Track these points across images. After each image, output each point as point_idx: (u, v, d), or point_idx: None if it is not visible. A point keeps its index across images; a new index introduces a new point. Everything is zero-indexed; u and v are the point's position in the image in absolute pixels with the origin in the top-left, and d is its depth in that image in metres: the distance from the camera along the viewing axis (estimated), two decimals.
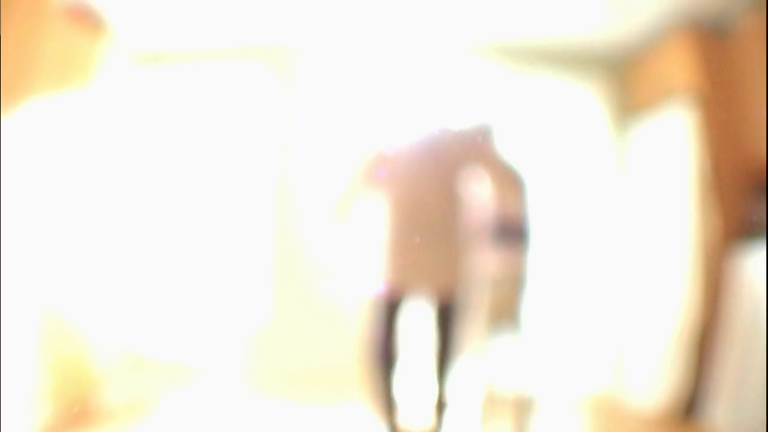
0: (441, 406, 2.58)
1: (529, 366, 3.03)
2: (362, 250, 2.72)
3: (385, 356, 2.55)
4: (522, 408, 3.00)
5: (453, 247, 2.55)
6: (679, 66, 3.46)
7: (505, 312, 3.00)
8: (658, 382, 3.45)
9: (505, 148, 2.95)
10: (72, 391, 3.08)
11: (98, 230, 3.34)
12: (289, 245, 3.92)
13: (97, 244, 3.33)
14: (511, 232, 2.95)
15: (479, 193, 2.70)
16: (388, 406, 2.56)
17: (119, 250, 3.60)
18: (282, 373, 3.78)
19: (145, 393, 3.60)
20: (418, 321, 2.67)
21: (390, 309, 2.55)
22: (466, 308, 2.61)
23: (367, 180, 2.58)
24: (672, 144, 3.58)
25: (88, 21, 3.24)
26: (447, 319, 2.54)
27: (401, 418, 2.58)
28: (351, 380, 3.63)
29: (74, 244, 3.14)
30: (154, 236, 4.01)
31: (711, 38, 3.35)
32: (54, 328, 2.95)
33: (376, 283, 2.57)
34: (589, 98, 4.03)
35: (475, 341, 2.97)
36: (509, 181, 2.88)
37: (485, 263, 2.89)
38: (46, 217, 2.93)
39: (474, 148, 2.64)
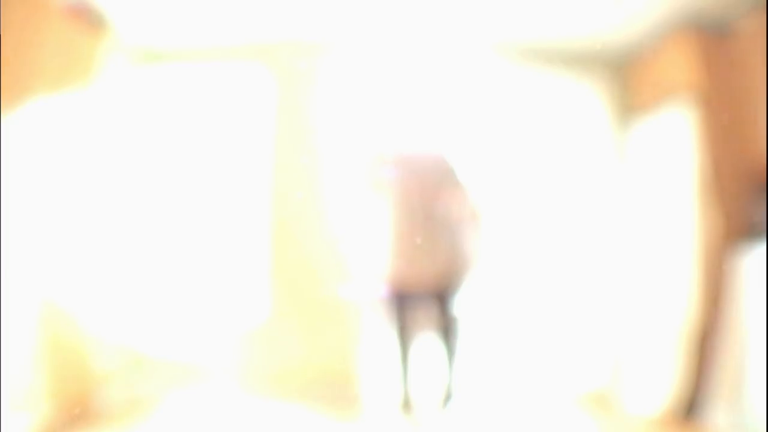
0: (446, 395, 2.66)
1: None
2: (367, 246, 2.80)
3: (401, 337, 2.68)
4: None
5: (448, 242, 2.67)
6: (680, 66, 3.46)
7: None
8: (658, 383, 3.45)
9: (469, 177, 2.89)
10: (72, 391, 3.08)
11: (99, 229, 3.34)
12: (288, 245, 3.91)
13: (97, 244, 3.33)
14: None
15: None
16: (404, 372, 2.66)
17: (120, 250, 3.60)
18: (282, 373, 3.78)
19: (145, 393, 3.60)
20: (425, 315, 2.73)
21: (397, 303, 2.66)
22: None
23: (370, 180, 2.71)
24: (673, 144, 3.58)
25: (88, 20, 3.24)
26: (450, 310, 2.66)
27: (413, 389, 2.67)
28: (351, 380, 3.64)
29: (75, 244, 3.14)
30: (155, 235, 4.00)
31: (712, 38, 3.34)
32: (55, 327, 2.96)
33: (380, 278, 2.67)
34: (590, 98, 4.03)
35: None
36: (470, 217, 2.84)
37: None
38: (47, 216, 2.93)
39: (444, 182, 2.75)
